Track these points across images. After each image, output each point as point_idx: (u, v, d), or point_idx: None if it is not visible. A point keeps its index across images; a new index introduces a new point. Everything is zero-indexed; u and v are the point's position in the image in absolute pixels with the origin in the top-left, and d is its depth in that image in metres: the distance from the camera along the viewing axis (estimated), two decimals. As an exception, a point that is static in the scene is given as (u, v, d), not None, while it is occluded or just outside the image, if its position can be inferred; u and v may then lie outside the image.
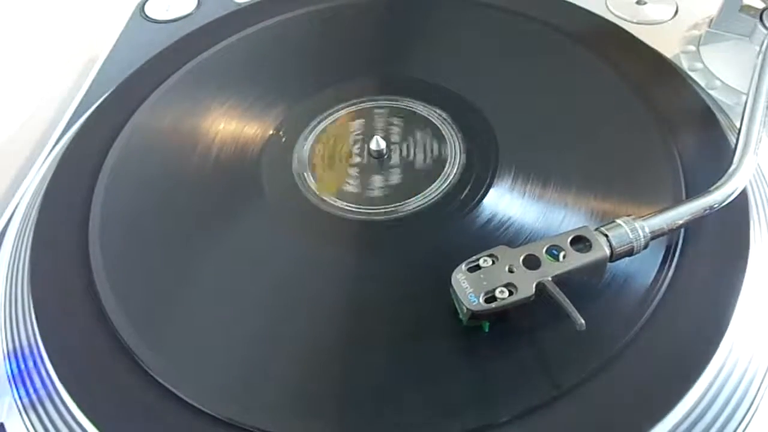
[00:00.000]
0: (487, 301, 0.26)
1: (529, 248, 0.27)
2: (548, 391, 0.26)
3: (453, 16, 0.43)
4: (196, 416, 0.27)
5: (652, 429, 0.25)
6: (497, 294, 0.26)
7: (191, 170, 0.36)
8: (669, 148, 0.34)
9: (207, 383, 0.28)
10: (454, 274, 0.27)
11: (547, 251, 0.27)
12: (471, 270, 0.27)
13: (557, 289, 0.26)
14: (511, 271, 0.27)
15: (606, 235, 0.27)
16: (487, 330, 0.27)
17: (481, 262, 0.27)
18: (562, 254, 0.27)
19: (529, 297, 0.26)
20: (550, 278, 0.26)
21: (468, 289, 0.26)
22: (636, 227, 0.27)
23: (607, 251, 0.27)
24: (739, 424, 0.26)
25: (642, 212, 0.28)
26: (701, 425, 0.26)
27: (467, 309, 0.26)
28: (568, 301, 0.25)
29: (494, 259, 0.27)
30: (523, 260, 0.27)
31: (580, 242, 0.27)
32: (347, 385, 0.27)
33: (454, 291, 0.27)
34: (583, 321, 0.25)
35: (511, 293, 0.26)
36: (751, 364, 0.27)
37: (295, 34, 0.45)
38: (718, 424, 0.26)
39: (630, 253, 0.27)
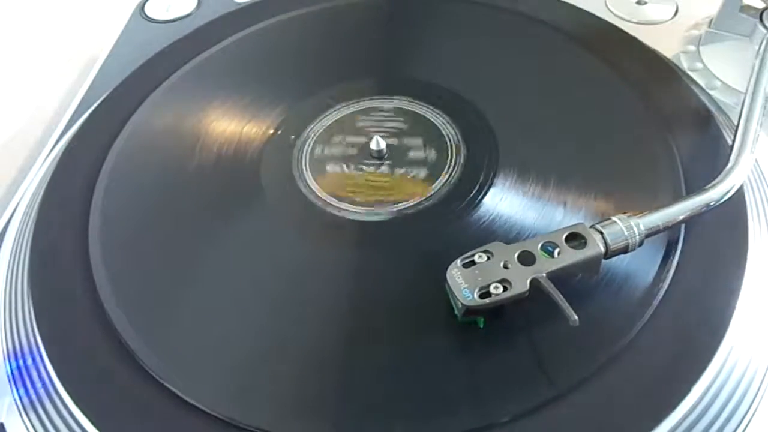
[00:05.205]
0: (481, 296, 0.26)
1: (524, 245, 0.27)
2: (547, 391, 0.26)
3: (452, 16, 0.43)
4: (196, 416, 0.27)
5: (652, 429, 0.25)
6: (492, 290, 0.26)
7: (191, 170, 0.36)
8: (669, 148, 0.34)
9: (207, 383, 0.28)
10: (449, 270, 0.27)
11: (542, 247, 0.27)
12: (466, 265, 0.27)
13: (551, 285, 0.26)
14: (505, 267, 0.27)
15: (601, 232, 0.27)
16: (482, 326, 0.27)
17: (476, 257, 0.27)
18: (556, 251, 0.27)
19: (524, 293, 0.26)
20: (544, 274, 0.26)
21: (462, 284, 0.26)
22: (631, 224, 0.27)
23: (602, 248, 0.27)
24: (739, 424, 0.26)
25: (641, 211, 0.28)
26: (701, 425, 0.26)
27: (462, 304, 0.26)
28: (562, 297, 0.25)
29: (489, 255, 0.27)
30: (518, 256, 0.27)
31: (575, 239, 0.27)
32: (346, 385, 0.27)
33: (449, 286, 0.27)
34: (576, 317, 0.25)
35: (505, 289, 0.26)
36: (751, 364, 0.27)
37: (295, 34, 0.45)
38: (718, 424, 0.26)
39: (625, 250, 0.27)
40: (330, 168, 0.35)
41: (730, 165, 0.30)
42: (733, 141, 0.31)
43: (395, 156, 0.35)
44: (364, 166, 0.35)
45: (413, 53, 0.42)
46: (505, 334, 0.27)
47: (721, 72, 0.40)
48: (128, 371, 0.28)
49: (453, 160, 0.35)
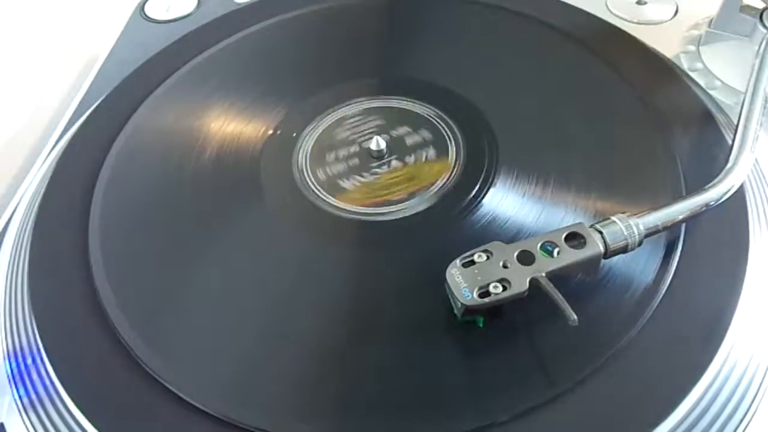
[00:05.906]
0: (481, 296, 0.26)
1: (523, 244, 0.27)
2: (548, 390, 0.26)
3: (452, 16, 0.43)
4: (196, 416, 0.27)
5: (652, 429, 0.25)
6: (491, 289, 0.26)
7: (191, 170, 0.36)
8: (669, 148, 0.34)
9: (206, 383, 0.28)
10: (448, 269, 0.27)
11: (541, 247, 0.27)
12: (465, 265, 0.27)
13: (551, 284, 0.26)
14: (505, 266, 0.27)
15: (600, 232, 0.27)
16: (481, 325, 0.27)
17: (475, 257, 0.27)
18: (556, 250, 0.27)
19: (523, 292, 0.26)
20: (543, 274, 0.26)
21: (462, 284, 0.26)
22: (630, 224, 0.27)
23: (601, 248, 0.27)
24: (739, 424, 0.26)
25: (641, 211, 0.28)
26: (701, 425, 0.26)
27: (461, 304, 0.26)
28: (561, 296, 0.25)
29: (489, 254, 0.27)
30: (518, 256, 0.27)
31: (575, 239, 0.27)
32: (346, 385, 0.27)
33: (449, 286, 0.27)
34: (575, 317, 0.25)
35: (504, 288, 0.26)
36: (751, 364, 0.27)
37: (295, 34, 0.45)
38: (718, 424, 0.26)
39: (624, 250, 0.27)
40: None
41: (729, 165, 0.30)
42: (733, 141, 0.31)
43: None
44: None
45: (413, 53, 0.42)
46: (505, 334, 0.27)
47: (721, 72, 0.40)
48: (128, 371, 0.28)
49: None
